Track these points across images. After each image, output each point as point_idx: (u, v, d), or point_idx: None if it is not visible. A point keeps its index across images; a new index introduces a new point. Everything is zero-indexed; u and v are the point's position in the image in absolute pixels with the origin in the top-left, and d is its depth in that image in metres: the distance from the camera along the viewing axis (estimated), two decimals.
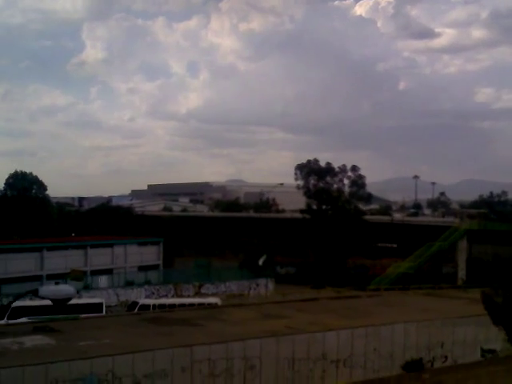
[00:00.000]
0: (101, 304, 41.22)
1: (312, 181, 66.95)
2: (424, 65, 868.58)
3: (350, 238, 63.49)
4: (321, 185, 67.42)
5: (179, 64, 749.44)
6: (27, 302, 40.46)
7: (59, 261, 53.92)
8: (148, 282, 57.51)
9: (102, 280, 56.76)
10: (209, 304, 44.70)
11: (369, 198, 70.15)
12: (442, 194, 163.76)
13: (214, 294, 50.97)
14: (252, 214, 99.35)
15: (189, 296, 50.59)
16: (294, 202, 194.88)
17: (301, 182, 67.88)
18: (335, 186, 68.05)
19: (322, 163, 65.66)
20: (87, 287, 53.47)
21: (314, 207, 66.06)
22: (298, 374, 28.32)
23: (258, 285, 54.80)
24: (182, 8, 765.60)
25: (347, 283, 60.76)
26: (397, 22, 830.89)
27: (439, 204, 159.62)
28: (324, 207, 65.85)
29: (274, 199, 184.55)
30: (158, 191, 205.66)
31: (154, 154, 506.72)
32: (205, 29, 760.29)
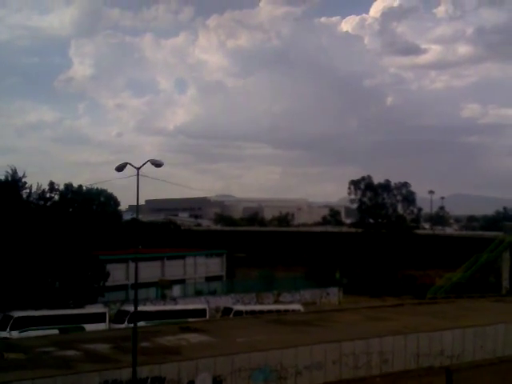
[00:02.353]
0: (205, 310, 44.88)
1: (367, 196, 71.15)
2: (411, 81, 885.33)
3: (401, 250, 67.55)
4: (367, 200, 71.45)
5: (167, 80, 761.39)
6: (145, 308, 44.32)
7: (141, 271, 57.60)
8: (214, 292, 61.21)
9: (175, 289, 60.28)
10: (293, 310, 48.46)
11: (419, 212, 74.66)
12: (442, 208, 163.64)
13: (290, 302, 54.71)
14: (293, 228, 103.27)
15: (268, 303, 54.29)
16: (303, 217, 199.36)
17: (355, 197, 72.23)
18: (389, 201, 72.34)
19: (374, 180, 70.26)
20: (164, 296, 57.05)
21: (371, 221, 70.42)
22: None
23: (328, 293, 58.89)
24: (170, 25, 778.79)
25: (400, 293, 64.79)
26: (383, 39, 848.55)
27: (438, 218, 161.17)
28: (379, 221, 70.12)
29: (293, 214, 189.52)
30: (156, 206, 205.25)
31: (142, 169, 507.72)
32: (192, 45, 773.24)
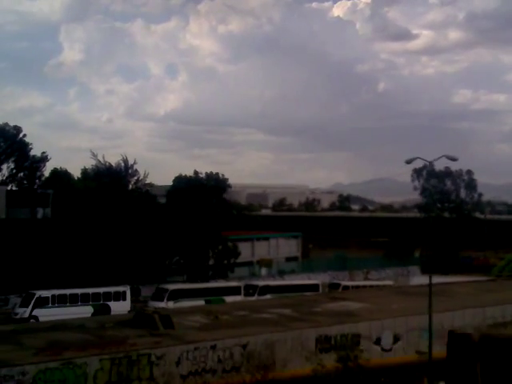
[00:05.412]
0: (318, 285, 50.11)
1: (431, 183, 76.19)
2: (402, 66, 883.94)
3: (463, 233, 72.97)
4: (430, 187, 76.39)
5: (157, 66, 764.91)
6: (271, 282, 49.62)
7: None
8: (293, 271, 66.51)
9: (262, 269, 65.51)
10: (385, 285, 53.79)
11: (479, 197, 79.93)
12: None
13: (378, 279, 60.12)
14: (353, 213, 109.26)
15: (362, 280, 59.69)
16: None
17: (417, 184, 77.17)
18: (452, 188, 77.49)
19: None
20: (254, 274, 62.25)
21: (439, 205, 75.57)
22: None
23: (409, 271, 64.48)
24: (161, 10, 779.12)
25: (465, 271, 70.46)
26: (374, 24, 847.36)
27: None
28: (445, 205, 75.49)
29: (319, 200, 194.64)
30: (157, 192, 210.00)
31: (133, 154, 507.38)
32: (183, 31, 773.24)
